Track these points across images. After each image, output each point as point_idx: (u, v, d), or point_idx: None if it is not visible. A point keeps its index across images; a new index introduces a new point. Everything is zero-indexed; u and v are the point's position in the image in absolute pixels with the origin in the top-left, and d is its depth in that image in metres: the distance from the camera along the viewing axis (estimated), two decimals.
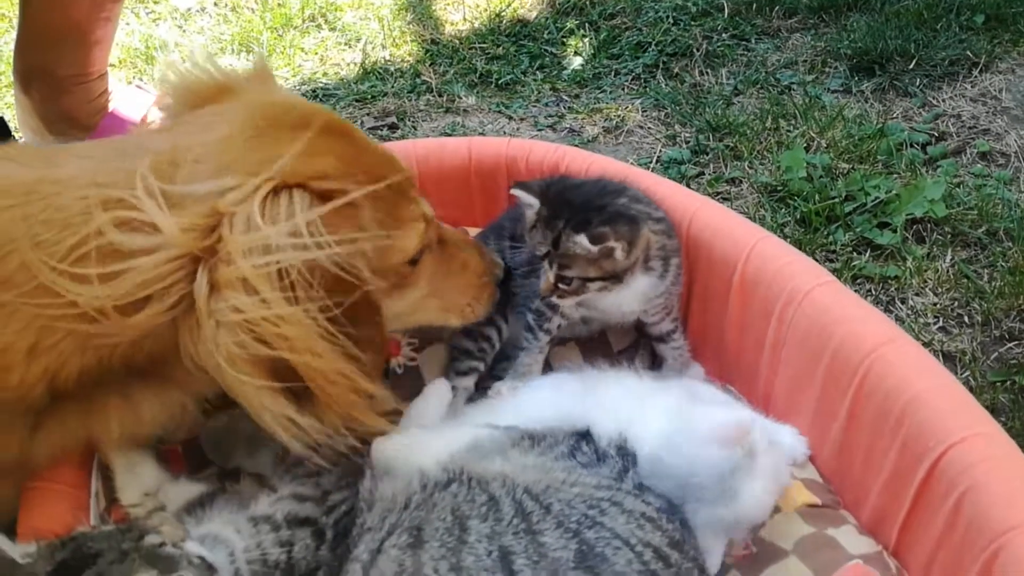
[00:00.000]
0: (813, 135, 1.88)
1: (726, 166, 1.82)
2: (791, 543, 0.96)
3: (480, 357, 1.16)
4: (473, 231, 1.35)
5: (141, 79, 2.20)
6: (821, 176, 1.76)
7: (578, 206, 1.04)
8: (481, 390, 1.16)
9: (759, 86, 2.10)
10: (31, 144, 0.93)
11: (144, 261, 0.76)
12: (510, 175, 1.33)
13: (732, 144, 1.88)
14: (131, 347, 0.80)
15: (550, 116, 2.04)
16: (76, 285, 0.75)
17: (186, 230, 0.76)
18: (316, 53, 2.33)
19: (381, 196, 0.86)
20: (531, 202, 1.07)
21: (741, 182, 1.78)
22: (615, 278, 1.04)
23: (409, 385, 1.17)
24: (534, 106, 2.08)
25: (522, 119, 2.04)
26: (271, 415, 0.80)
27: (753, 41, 2.26)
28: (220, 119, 0.86)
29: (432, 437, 1.02)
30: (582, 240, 1.01)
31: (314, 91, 2.18)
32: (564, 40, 2.31)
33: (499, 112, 2.07)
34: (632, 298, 1.08)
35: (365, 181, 0.84)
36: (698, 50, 2.20)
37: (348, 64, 2.29)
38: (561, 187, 1.09)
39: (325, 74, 2.26)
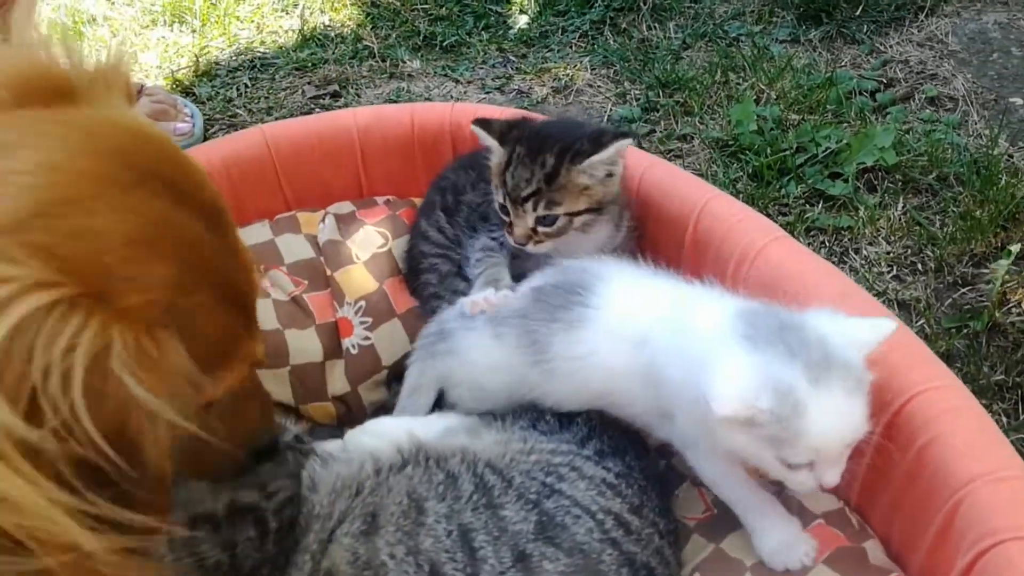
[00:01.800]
0: (762, 87, 1.86)
1: (677, 123, 1.80)
2: None
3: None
4: (419, 201, 1.32)
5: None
6: (772, 129, 1.74)
7: (559, 138, 1.01)
8: None
9: (707, 39, 2.07)
10: None
11: None
12: (455, 142, 1.29)
13: (682, 100, 1.85)
14: None
15: (497, 78, 1.99)
16: None
17: None
18: (252, 21, 2.25)
19: (218, 324, 0.60)
20: (490, 144, 1.04)
21: (692, 138, 1.76)
22: (598, 210, 1.02)
23: (366, 364, 1.14)
24: (481, 68, 2.03)
25: (469, 82, 1.99)
26: None
27: None
28: (39, 141, 0.57)
29: (409, 424, 1.00)
30: (600, 155, 0.98)
31: (251, 61, 2.10)
32: None
33: (445, 76, 2.01)
34: (590, 246, 1.06)
35: (203, 305, 0.58)
36: (645, 3, 2.16)
37: (286, 31, 2.21)
38: (529, 127, 1.06)
39: (263, 43, 2.17)
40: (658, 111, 1.83)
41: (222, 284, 0.60)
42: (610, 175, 1.02)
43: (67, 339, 0.50)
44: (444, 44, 2.10)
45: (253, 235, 1.21)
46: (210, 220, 0.61)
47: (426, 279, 1.16)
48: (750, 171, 1.65)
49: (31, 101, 0.60)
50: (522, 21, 2.18)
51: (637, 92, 1.89)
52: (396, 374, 1.17)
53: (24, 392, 0.49)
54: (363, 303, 1.17)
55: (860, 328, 0.83)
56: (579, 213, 1.02)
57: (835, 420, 0.77)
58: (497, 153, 1.04)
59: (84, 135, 0.58)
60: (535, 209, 1.01)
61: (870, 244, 1.53)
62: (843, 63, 1.95)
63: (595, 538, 0.83)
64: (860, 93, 1.86)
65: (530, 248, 1.03)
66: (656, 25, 2.12)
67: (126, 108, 0.65)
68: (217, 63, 2.10)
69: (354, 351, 1.15)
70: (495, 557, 0.79)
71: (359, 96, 1.97)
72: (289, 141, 1.24)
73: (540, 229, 1.02)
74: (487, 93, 1.94)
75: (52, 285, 0.51)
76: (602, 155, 1.00)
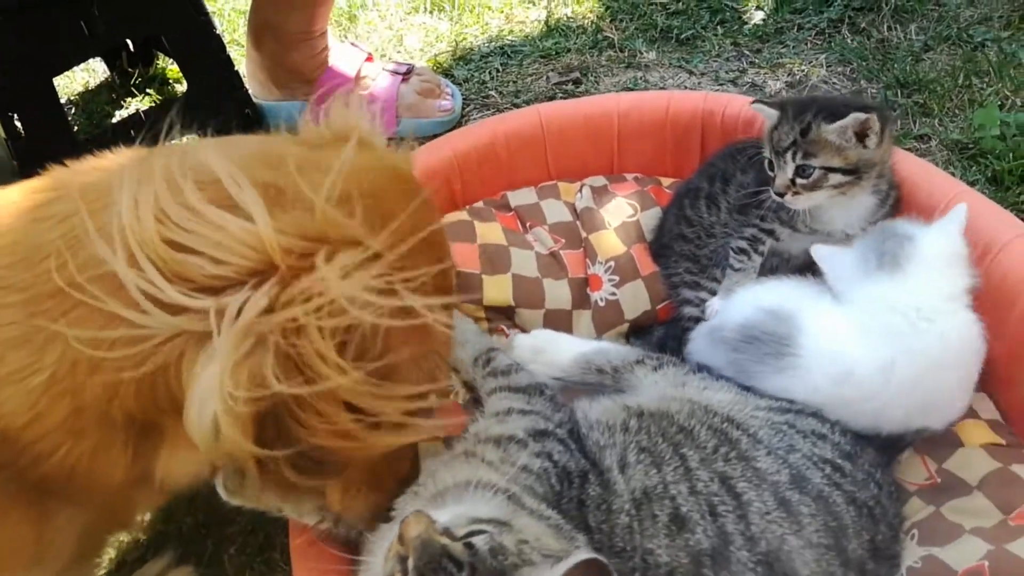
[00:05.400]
0: (1008, 93, 1.84)
1: (914, 123, 1.82)
2: (976, 479, 1.01)
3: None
4: (666, 181, 1.46)
5: (346, 37, 2.41)
6: (1015, 135, 1.72)
7: (825, 103, 1.15)
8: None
9: (950, 42, 2.05)
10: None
11: (228, 238, 0.67)
12: (705, 129, 1.42)
13: (921, 101, 1.86)
14: (169, 372, 0.71)
15: (731, 71, 2.08)
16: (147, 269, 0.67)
17: (280, 232, 0.68)
18: (502, 11, 2.46)
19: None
20: (770, 113, 1.19)
21: (930, 139, 1.78)
22: (855, 173, 1.13)
23: (610, 317, 1.30)
24: (715, 61, 2.13)
25: (703, 74, 2.10)
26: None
27: None
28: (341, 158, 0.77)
29: (565, 338, 1.20)
30: (842, 121, 1.10)
31: (501, 48, 2.32)
32: None
33: (680, 67, 2.13)
34: (855, 216, 1.18)
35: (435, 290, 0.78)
36: (886, 4, 2.17)
37: (532, 21, 2.41)
38: (801, 98, 1.23)
39: (511, 31, 2.38)
40: (895, 110, 1.86)
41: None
42: (863, 142, 1.12)
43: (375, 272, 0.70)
44: (680, 37, 2.22)
45: (522, 197, 1.41)
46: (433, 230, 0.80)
47: (680, 266, 1.31)
48: (989, 175, 1.66)
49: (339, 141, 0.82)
50: (757, 17, 2.25)
51: (874, 91, 1.93)
52: (635, 329, 1.33)
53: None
54: (612, 263, 1.33)
55: None
56: (834, 170, 1.12)
57: None
58: (772, 117, 1.18)
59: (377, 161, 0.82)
60: (793, 159, 1.13)
61: None
62: None
63: (825, 483, 0.93)
64: None
65: (788, 199, 1.15)
66: (897, 26, 2.12)
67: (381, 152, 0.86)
68: (471, 49, 2.34)
69: (601, 304, 1.32)
70: (759, 500, 0.90)
71: (598, 83, 2.13)
72: (559, 121, 1.42)
73: (798, 181, 1.14)
74: (720, 85, 2.04)
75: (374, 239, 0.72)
76: (841, 123, 1.12)
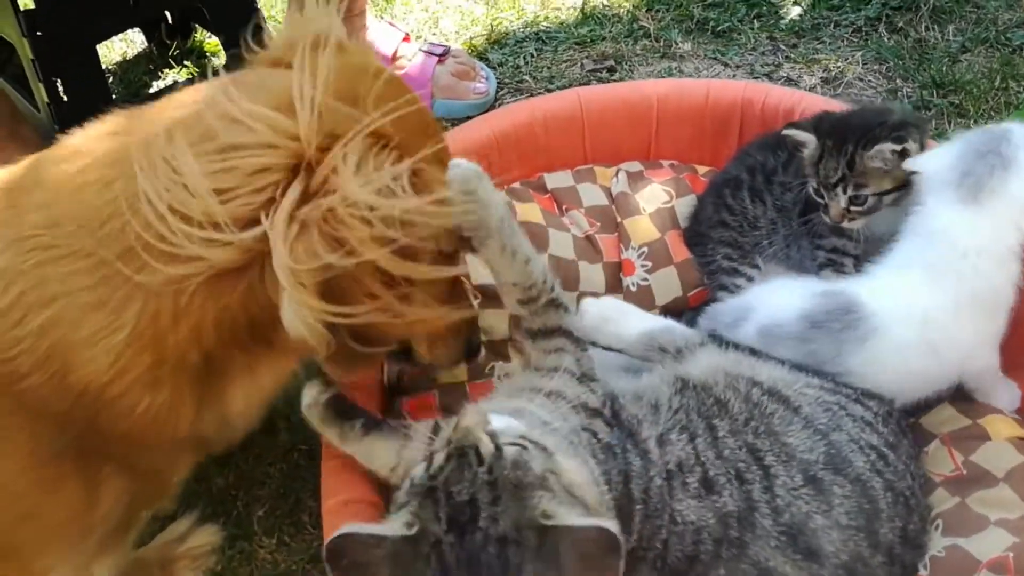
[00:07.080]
0: None
1: (950, 123, 1.82)
2: (1003, 471, 1.02)
3: None
4: (702, 169, 1.47)
5: (382, 17, 2.42)
6: None
7: (859, 128, 1.14)
8: None
9: (988, 45, 2.05)
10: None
11: (254, 156, 0.74)
12: (744, 119, 1.42)
13: (957, 102, 1.86)
14: (249, 295, 0.78)
15: (767, 65, 2.09)
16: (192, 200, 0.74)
17: (299, 138, 0.75)
18: None
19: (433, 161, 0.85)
20: (806, 139, 1.18)
21: None
22: (906, 185, 1.14)
23: (642, 301, 1.31)
24: (750, 54, 2.13)
25: (738, 66, 2.10)
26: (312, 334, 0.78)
27: None
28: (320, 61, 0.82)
29: (634, 312, 1.17)
30: (882, 149, 1.10)
31: (537, 33, 2.32)
32: None
33: (715, 59, 2.14)
34: (903, 217, 1.15)
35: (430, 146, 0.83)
36: (924, 5, 2.16)
37: (568, 8, 2.41)
38: (832, 119, 1.19)
39: (547, 18, 2.39)
40: (930, 110, 1.86)
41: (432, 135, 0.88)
42: (903, 158, 1.12)
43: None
44: (716, 29, 2.22)
45: (558, 180, 1.42)
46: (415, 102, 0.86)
47: (718, 253, 1.31)
48: None
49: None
50: (794, 12, 2.25)
51: (909, 90, 1.93)
52: (665, 314, 1.34)
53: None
54: (646, 249, 1.34)
55: None
56: (887, 192, 1.14)
57: None
58: (811, 145, 1.18)
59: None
60: (844, 192, 1.14)
61: None
62: None
63: (867, 468, 0.94)
64: None
65: (845, 225, 1.17)
66: (934, 27, 2.12)
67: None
68: (506, 33, 2.34)
69: (633, 288, 1.33)
70: (786, 475, 0.91)
71: (632, 72, 2.14)
72: (599, 104, 1.43)
73: (853, 208, 1.15)
74: (755, 79, 2.05)
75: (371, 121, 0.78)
76: (879, 147, 1.12)
